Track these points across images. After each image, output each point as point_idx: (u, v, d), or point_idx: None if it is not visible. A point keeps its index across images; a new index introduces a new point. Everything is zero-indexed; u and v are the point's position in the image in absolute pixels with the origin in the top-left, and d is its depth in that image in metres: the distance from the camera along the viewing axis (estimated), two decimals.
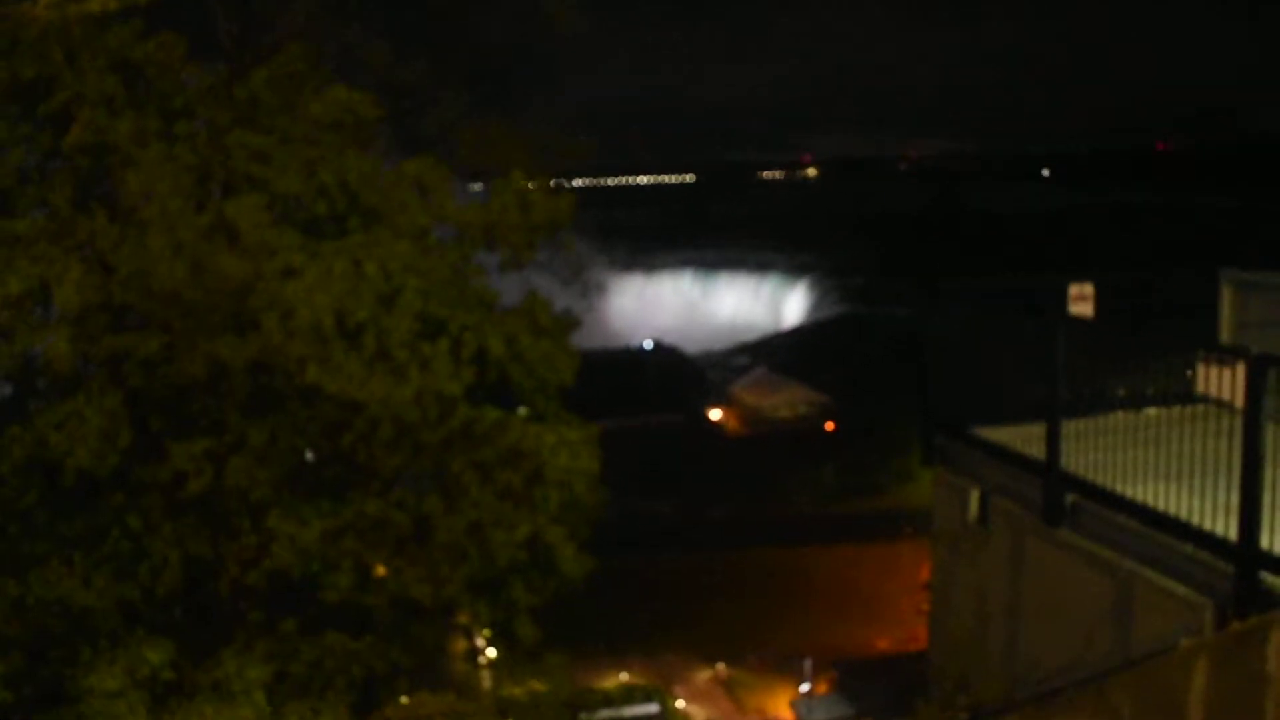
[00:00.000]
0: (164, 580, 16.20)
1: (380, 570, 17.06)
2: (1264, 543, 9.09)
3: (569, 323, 18.56)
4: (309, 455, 17.30)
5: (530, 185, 18.77)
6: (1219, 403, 9.85)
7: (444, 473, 17.00)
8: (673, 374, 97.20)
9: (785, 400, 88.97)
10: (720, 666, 47.16)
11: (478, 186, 22.22)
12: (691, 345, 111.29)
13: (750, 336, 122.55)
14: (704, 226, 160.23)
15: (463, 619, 19.29)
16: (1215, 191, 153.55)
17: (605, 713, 28.13)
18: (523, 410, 18.23)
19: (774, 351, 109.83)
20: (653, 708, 29.29)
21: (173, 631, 16.28)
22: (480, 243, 18.59)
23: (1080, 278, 14.83)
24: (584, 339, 19.91)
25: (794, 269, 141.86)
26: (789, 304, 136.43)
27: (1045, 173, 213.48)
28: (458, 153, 21.09)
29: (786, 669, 43.92)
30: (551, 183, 19.37)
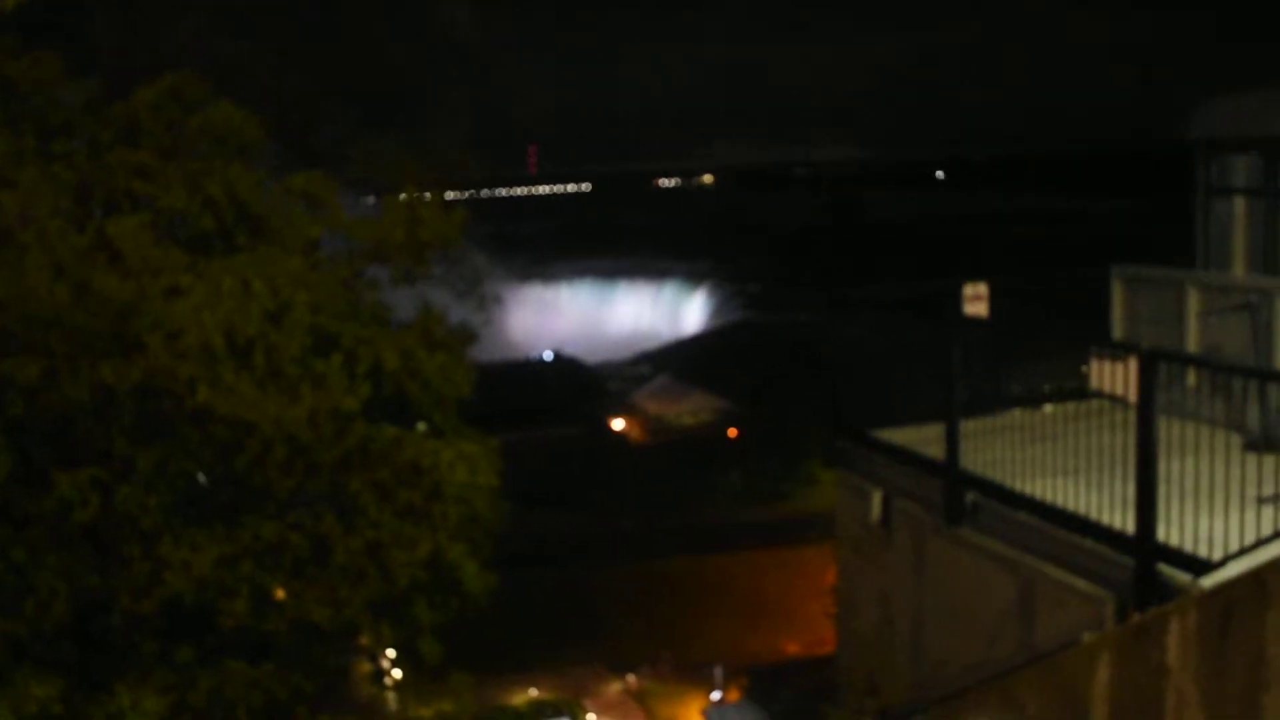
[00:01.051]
0: (52, 613, 15.69)
1: (279, 594, 16.76)
2: (1161, 535, 9.24)
3: (466, 336, 18.56)
4: (201, 479, 16.96)
5: (424, 198, 18.81)
6: (1113, 398, 10.01)
7: (341, 492, 16.78)
8: (574, 385, 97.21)
9: (688, 408, 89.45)
10: (631, 678, 47.11)
11: (373, 200, 22.25)
12: (592, 355, 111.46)
13: (651, 345, 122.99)
14: (602, 237, 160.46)
15: (365, 641, 19.03)
16: (1111, 194, 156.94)
17: None
18: (420, 426, 18.15)
19: (675, 360, 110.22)
20: None
21: (63, 666, 15.88)
22: (371, 257, 18.57)
23: (976, 280, 15.05)
24: (482, 352, 19.93)
25: (692, 276, 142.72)
26: (688, 312, 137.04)
27: (939, 175, 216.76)
28: (349, 168, 21.10)
29: (697, 677, 44.02)
30: (445, 196, 19.34)
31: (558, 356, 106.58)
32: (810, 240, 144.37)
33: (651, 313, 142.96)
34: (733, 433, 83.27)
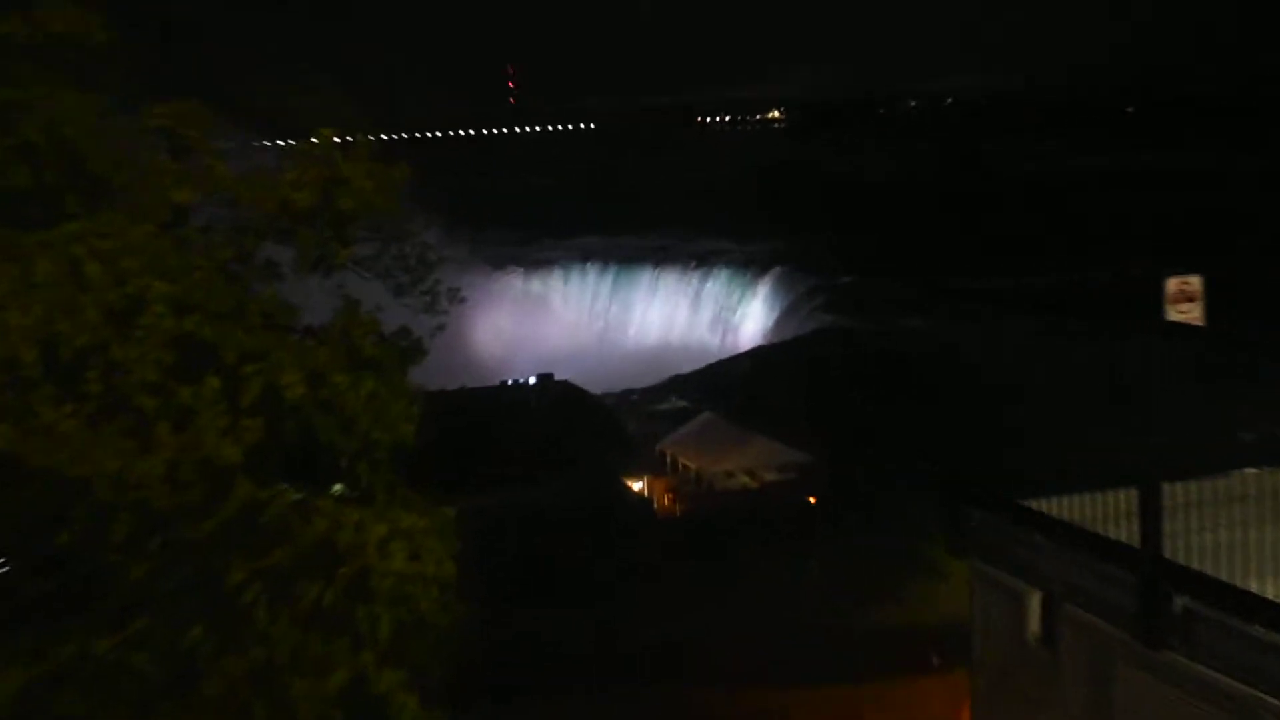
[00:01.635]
0: None
1: None
2: None
3: (409, 350, 18.76)
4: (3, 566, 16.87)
5: (351, 145, 19.13)
6: None
7: (215, 586, 16.57)
8: (572, 425, 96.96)
9: (743, 461, 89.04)
10: None
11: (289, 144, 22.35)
12: (599, 380, 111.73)
13: (688, 366, 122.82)
14: (615, 202, 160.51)
15: None
16: None
17: None
18: (337, 488, 18.27)
19: (724, 388, 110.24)
20: None
21: None
22: (267, 232, 18.82)
23: (1163, 267, 14.77)
24: (434, 374, 20.39)
25: (750, 262, 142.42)
26: (745, 316, 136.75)
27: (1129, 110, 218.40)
28: (239, 101, 21.24)
29: None
30: (378, 141, 19.47)
31: (549, 382, 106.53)
32: (920, 205, 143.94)
33: (689, 317, 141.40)
34: (812, 500, 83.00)
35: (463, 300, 20.47)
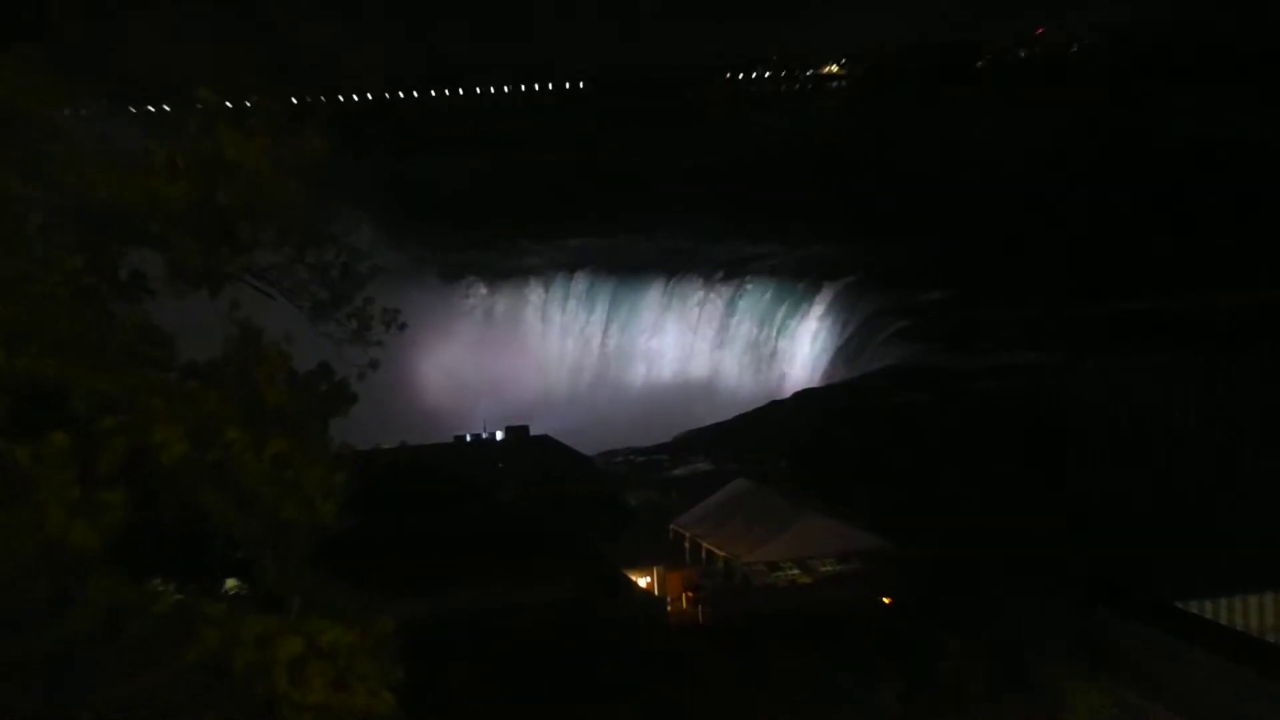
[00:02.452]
0: None
1: None
2: None
3: (330, 396, 18.83)
4: None
5: (250, 115, 18.94)
6: None
7: None
8: (553, 496, 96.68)
9: (791, 548, 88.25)
10: None
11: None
12: (591, 434, 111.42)
13: (712, 414, 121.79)
14: (613, 186, 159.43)
15: None
16: None
17: None
18: (231, 583, 18.50)
19: (764, 446, 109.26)
20: None
21: None
22: (134, 235, 18.84)
23: None
24: (366, 428, 20.64)
25: (801, 272, 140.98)
26: (793, 347, 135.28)
27: None
28: (93, 52, 21.23)
29: None
30: (288, 102, 19.40)
31: (523, 437, 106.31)
32: (1035, 191, 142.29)
33: (715, 348, 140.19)
34: (885, 599, 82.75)
35: (403, 326, 20.22)
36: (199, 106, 19.07)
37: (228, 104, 19.12)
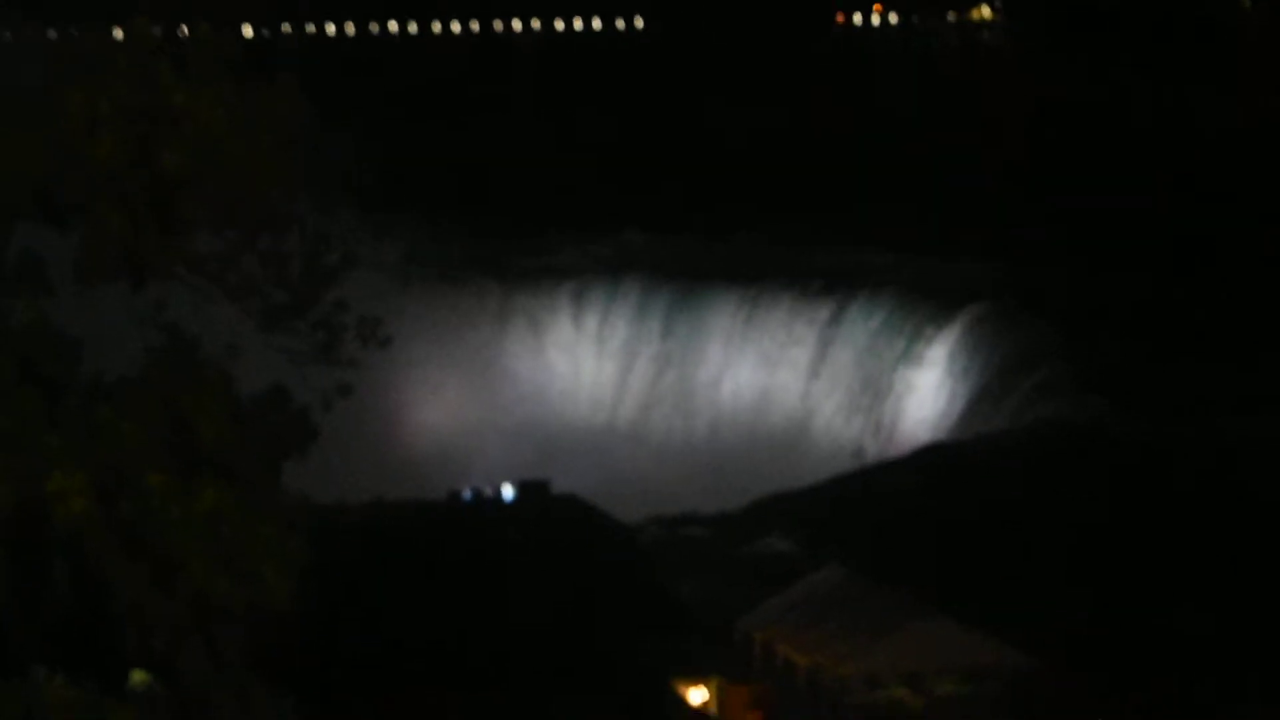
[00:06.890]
0: None
1: None
2: None
3: (284, 431, 16.47)
4: None
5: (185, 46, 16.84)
6: None
7: None
8: (580, 578, 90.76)
9: (901, 660, 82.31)
10: None
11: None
12: (631, 496, 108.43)
13: (797, 477, 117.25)
14: (672, 164, 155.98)
15: None
16: None
17: None
18: (139, 676, 16.12)
19: (868, 523, 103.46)
20: None
21: None
22: (31, 208, 16.71)
23: None
24: (334, 477, 20.34)
25: (928, 289, 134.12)
26: (912, 390, 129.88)
27: None
28: None
29: None
30: (245, 38, 16.62)
31: (541, 496, 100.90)
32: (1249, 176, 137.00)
33: (805, 386, 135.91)
34: None
35: (387, 341, 18.43)
36: (131, 38, 16.59)
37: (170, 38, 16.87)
